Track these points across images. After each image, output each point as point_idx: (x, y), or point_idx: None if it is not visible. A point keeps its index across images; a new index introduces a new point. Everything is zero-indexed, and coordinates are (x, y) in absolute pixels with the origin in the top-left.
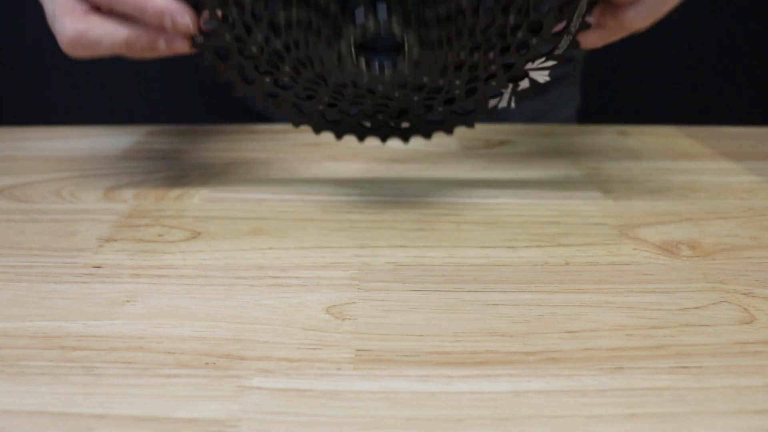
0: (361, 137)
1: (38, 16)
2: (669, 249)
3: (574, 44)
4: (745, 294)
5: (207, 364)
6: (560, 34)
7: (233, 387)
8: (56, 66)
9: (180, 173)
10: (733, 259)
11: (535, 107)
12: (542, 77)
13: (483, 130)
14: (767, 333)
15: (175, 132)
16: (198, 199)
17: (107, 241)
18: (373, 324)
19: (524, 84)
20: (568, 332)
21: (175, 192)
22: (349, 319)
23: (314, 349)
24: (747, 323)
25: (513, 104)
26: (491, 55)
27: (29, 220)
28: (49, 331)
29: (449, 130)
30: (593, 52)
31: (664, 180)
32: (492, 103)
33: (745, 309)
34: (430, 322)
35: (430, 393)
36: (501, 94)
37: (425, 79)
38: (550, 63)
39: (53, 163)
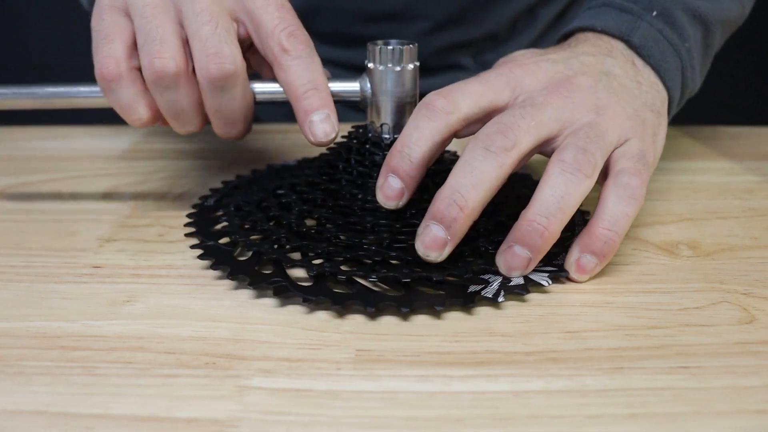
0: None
1: (38, 16)
2: (669, 249)
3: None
4: (745, 294)
5: (207, 364)
6: (560, 246)
7: (233, 387)
8: (56, 66)
9: (180, 173)
10: (733, 259)
11: None
12: (543, 279)
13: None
14: (767, 333)
15: (175, 132)
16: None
17: (107, 241)
18: (373, 324)
19: (518, 280)
20: (568, 332)
21: (175, 192)
22: (349, 319)
23: (314, 349)
24: (747, 323)
25: (501, 298)
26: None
27: (29, 220)
28: (49, 331)
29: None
30: None
31: (664, 180)
32: (473, 288)
33: (745, 309)
34: (430, 322)
35: (430, 393)
36: (487, 283)
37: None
38: (549, 269)
39: (53, 163)
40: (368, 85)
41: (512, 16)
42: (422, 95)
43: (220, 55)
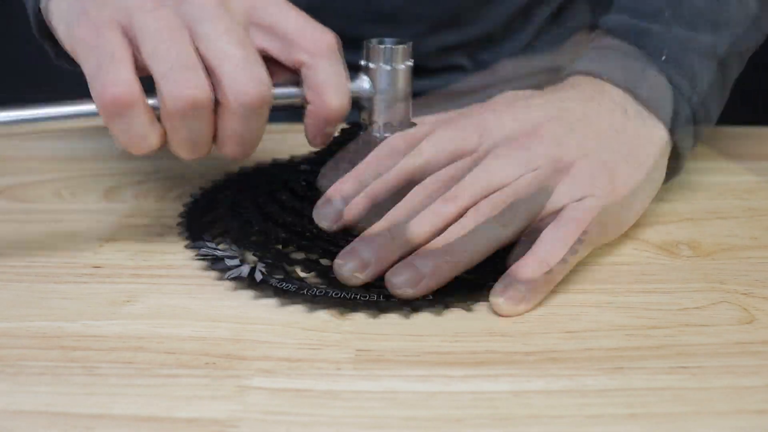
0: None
1: None
2: (669, 249)
3: None
4: (745, 294)
5: (207, 364)
6: None
7: (233, 387)
8: (57, 66)
9: (180, 173)
10: (733, 259)
11: None
12: None
13: None
14: (767, 333)
15: None
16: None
17: (107, 241)
18: (373, 324)
19: None
20: (568, 332)
21: (175, 192)
22: (350, 319)
23: (314, 349)
24: (747, 323)
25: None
26: None
27: (29, 220)
28: (49, 331)
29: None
30: None
31: None
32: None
33: (745, 309)
34: (430, 322)
35: (430, 393)
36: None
37: None
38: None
39: (53, 163)
40: (363, 83)
41: (507, 16)
42: (421, 95)
43: (260, 79)
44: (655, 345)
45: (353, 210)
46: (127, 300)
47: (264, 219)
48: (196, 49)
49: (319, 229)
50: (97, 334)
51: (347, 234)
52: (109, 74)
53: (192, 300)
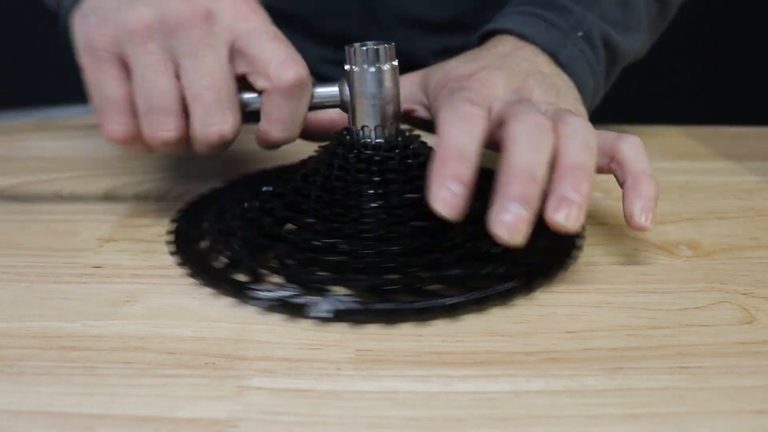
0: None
1: (38, 16)
2: (669, 249)
3: None
4: (745, 294)
5: (207, 364)
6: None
7: (233, 387)
8: (57, 65)
9: (180, 173)
10: (733, 259)
11: None
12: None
13: None
14: (767, 333)
15: None
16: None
17: (107, 241)
18: (373, 324)
19: None
20: (568, 332)
21: (175, 192)
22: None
23: (314, 349)
24: (747, 323)
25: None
26: None
27: (29, 220)
28: (49, 331)
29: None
30: None
31: (664, 180)
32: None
33: (745, 309)
34: (430, 322)
35: (430, 393)
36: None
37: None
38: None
39: (53, 163)
40: (347, 87)
41: None
42: None
43: (220, 126)
44: (655, 345)
45: (471, 188)
46: (127, 300)
47: (246, 223)
48: (179, 82)
49: (299, 231)
50: (97, 334)
51: (328, 237)
52: (108, 117)
53: (192, 300)
